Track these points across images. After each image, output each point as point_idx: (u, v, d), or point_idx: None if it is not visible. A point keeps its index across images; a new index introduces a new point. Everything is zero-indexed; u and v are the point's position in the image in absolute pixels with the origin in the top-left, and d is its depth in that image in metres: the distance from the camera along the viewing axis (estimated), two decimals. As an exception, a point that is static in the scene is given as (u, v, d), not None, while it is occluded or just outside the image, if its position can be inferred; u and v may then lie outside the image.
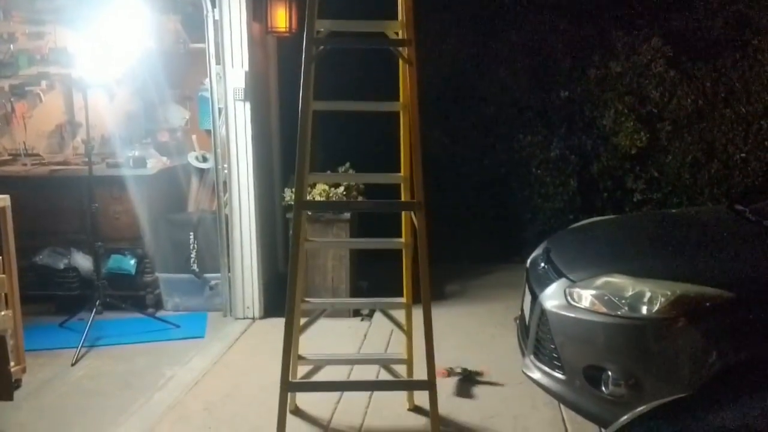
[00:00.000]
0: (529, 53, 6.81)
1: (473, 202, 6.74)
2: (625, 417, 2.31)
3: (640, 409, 2.47)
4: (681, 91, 6.44)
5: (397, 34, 3.08)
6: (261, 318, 5.17)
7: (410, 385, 3.49)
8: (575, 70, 6.71)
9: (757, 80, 6.23)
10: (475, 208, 6.74)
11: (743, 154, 6.31)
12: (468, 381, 4.04)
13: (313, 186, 5.09)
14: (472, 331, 4.86)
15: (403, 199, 3.40)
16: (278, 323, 5.08)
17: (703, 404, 2.43)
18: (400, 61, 3.11)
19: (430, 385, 2.92)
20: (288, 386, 2.97)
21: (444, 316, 5.04)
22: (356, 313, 5.16)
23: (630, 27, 6.60)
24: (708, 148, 6.45)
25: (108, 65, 5.17)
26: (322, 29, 2.99)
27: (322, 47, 2.86)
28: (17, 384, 3.91)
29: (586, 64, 6.65)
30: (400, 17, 3.03)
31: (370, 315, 5.14)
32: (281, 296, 5.38)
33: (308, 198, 5.06)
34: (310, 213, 4.91)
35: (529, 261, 3.96)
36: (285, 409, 3.01)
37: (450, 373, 4.08)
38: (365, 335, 4.83)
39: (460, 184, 6.74)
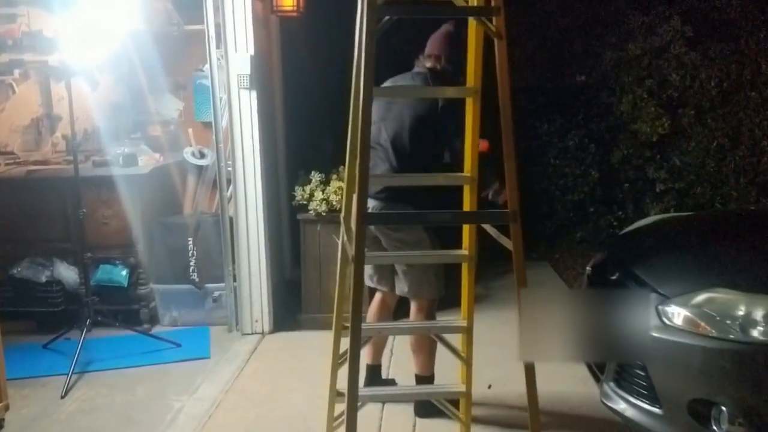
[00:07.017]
0: (541, 35, 6.38)
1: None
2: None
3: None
4: (703, 73, 6.08)
5: (466, 1, 2.57)
6: (270, 333, 4.65)
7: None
8: (591, 52, 6.30)
9: (784, 61, 5.90)
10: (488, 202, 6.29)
11: (771, 140, 5.98)
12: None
13: (326, 183, 4.58)
14: (509, 342, 4.36)
15: (466, 203, 2.90)
16: (290, 338, 4.63)
17: None
18: (471, 35, 2.61)
19: None
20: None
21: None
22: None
23: (647, 6, 6.21)
24: (733, 134, 6.12)
25: (90, 50, 4.57)
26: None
27: (387, 18, 2.31)
28: None
29: (602, 46, 6.25)
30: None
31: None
32: (290, 307, 4.92)
33: (317, 201, 4.55)
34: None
35: (589, 268, 3.51)
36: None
37: None
38: (392, 350, 4.34)
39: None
